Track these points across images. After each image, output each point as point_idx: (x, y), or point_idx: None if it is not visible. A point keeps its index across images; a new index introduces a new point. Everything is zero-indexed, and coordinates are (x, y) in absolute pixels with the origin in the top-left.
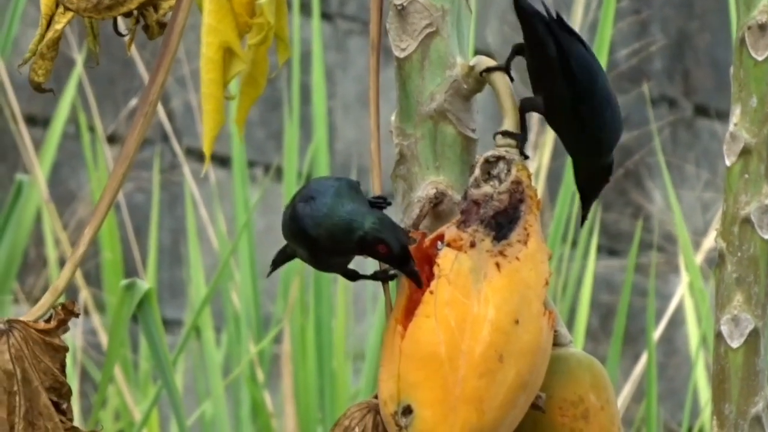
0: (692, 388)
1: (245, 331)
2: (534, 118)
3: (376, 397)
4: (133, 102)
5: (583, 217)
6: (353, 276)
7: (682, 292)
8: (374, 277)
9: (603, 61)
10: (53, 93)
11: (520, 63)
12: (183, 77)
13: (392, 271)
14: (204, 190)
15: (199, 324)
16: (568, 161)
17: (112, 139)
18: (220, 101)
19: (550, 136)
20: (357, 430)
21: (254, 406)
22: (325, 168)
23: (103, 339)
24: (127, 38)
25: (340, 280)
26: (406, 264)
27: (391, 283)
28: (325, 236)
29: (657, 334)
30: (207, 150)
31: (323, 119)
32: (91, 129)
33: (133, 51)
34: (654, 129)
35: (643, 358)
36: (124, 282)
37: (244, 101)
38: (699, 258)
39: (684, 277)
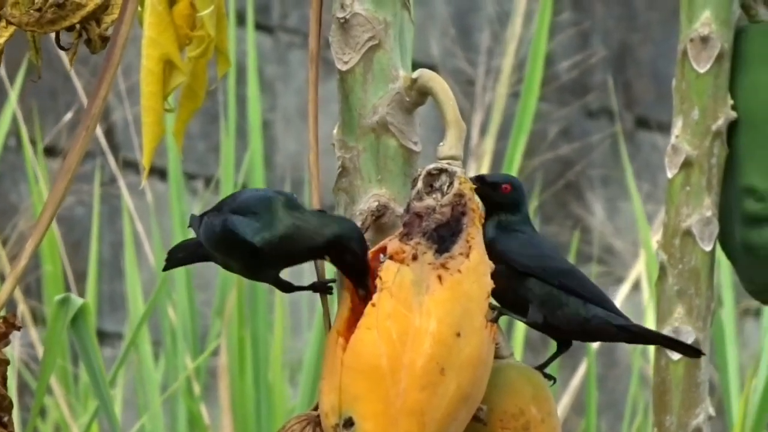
0: (632, 399)
1: (182, 345)
2: (474, 128)
3: (315, 408)
4: (69, 116)
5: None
6: (288, 287)
7: (621, 299)
8: (313, 288)
9: (538, 74)
10: None
11: (459, 74)
12: (120, 92)
13: (330, 283)
14: (145, 203)
15: (137, 339)
16: (504, 170)
17: (52, 152)
18: (160, 113)
19: (489, 146)
20: None
21: (191, 419)
22: (261, 179)
23: (42, 352)
24: (69, 52)
25: (277, 292)
26: (364, 277)
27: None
28: (277, 244)
29: (596, 345)
30: (146, 162)
31: (258, 131)
32: (33, 142)
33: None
34: (626, 139)
35: (582, 370)
36: (58, 296)
37: (183, 113)
38: (639, 270)
39: (640, 264)
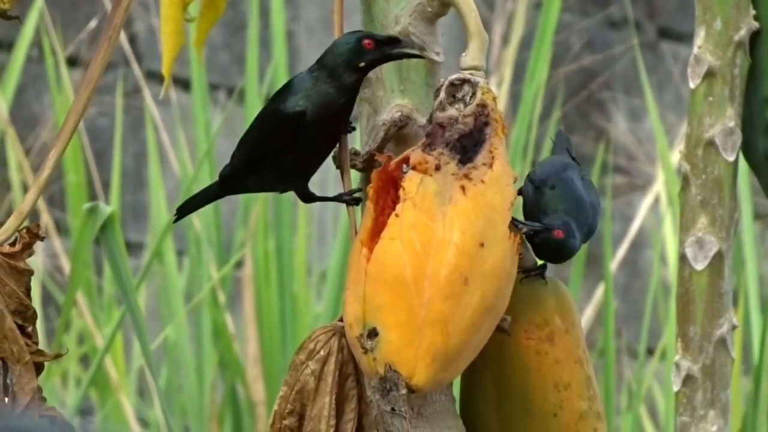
0: (652, 309)
1: (206, 254)
2: (496, 38)
3: (340, 320)
4: (93, 24)
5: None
6: (310, 197)
7: (645, 209)
8: (339, 198)
9: None
10: (19, 20)
11: None
12: (146, 1)
13: (357, 194)
14: (169, 114)
15: (161, 248)
16: (527, 82)
17: (74, 63)
18: (180, 23)
19: (510, 56)
20: (322, 352)
21: (216, 329)
22: None
23: (66, 262)
24: None
25: (301, 204)
26: (394, 45)
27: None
28: (320, 108)
29: (620, 256)
30: (166, 72)
31: (282, 41)
32: (55, 53)
33: None
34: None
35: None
36: (87, 205)
37: (203, 23)
38: (662, 180)
39: (660, 178)
